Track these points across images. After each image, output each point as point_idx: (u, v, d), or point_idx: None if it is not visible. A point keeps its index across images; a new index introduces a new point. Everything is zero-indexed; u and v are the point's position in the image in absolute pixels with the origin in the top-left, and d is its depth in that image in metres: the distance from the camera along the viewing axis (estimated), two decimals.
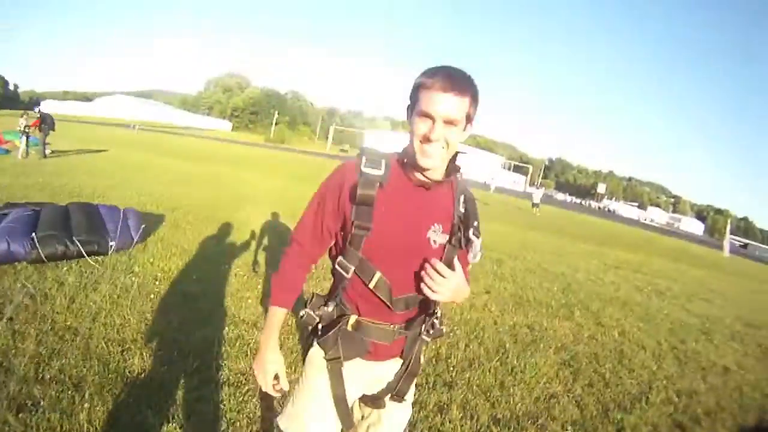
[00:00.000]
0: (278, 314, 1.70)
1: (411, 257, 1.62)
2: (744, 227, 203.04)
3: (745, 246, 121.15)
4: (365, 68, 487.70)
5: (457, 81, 1.50)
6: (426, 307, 1.73)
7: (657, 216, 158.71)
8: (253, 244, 7.05)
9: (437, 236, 1.65)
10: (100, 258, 5.35)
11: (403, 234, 1.61)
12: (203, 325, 4.11)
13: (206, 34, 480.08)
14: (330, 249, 1.75)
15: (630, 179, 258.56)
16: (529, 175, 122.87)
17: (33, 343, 3.35)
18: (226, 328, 4.10)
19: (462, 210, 1.70)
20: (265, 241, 7.42)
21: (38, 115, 17.23)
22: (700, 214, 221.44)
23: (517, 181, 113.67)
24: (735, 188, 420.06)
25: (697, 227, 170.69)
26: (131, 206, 7.56)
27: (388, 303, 1.62)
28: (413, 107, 1.57)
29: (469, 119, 1.58)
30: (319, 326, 1.70)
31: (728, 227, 44.93)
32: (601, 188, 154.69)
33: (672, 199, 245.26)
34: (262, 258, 6.42)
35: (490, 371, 4.25)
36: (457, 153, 1.68)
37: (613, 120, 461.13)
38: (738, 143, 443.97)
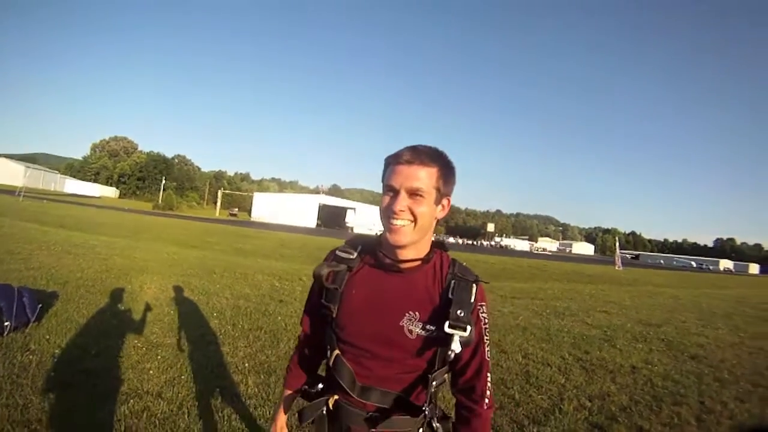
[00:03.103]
0: (283, 394, 1.83)
1: (381, 346, 1.52)
2: (633, 241, 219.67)
3: (636, 257, 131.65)
4: (255, 129, 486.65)
5: (421, 152, 1.48)
6: (410, 408, 1.52)
7: (548, 245, 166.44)
8: (149, 315, 6.83)
9: (414, 325, 1.50)
10: None
11: (369, 319, 1.53)
12: (108, 400, 4.04)
13: (93, 97, 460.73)
14: None
15: (518, 215, 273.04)
16: None
17: None
18: (131, 401, 4.03)
19: (450, 296, 1.51)
20: (161, 312, 7.22)
21: None
22: (590, 236, 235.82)
23: None
24: (619, 207, 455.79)
25: (588, 249, 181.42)
26: (20, 280, 7.26)
27: (347, 387, 1.51)
28: (382, 189, 1.55)
29: (440, 192, 1.52)
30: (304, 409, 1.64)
31: (617, 244, 48.55)
32: (491, 227, 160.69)
33: (560, 228, 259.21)
34: (159, 329, 6.28)
35: None
36: (438, 241, 1.68)
37: (493, 161, 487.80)
38: (614, 166, 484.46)
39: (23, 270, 9.08)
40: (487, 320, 1.61)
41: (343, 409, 1.56)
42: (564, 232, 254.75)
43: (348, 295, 1.57)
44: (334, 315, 1.57)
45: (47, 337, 5.38)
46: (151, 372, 4.77)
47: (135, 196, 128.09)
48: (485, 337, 1.60)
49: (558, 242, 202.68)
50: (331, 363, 1.58)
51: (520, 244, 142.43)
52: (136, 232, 25.26)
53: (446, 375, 1.61)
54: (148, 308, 7.12)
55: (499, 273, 23.56)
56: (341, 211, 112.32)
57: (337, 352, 1.57)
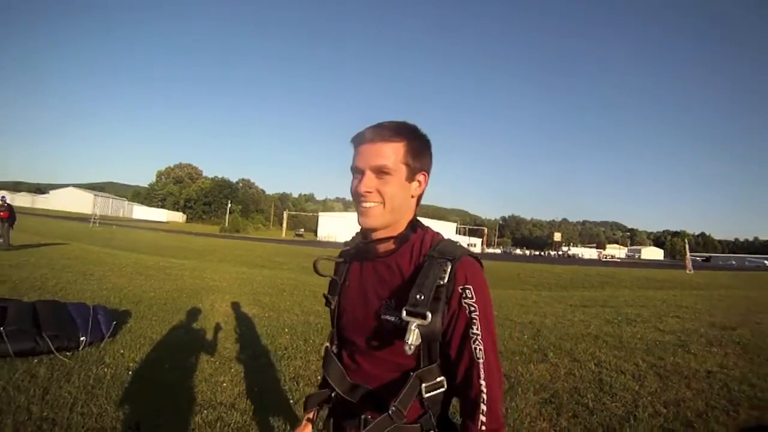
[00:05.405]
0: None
1: (364, 338, 1.44)
2: (703, 242, 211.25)
3: (707, 259, 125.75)
4: (314, 149, 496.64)
5: (384, 128, 1.40)
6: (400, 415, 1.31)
7: (616, 252, 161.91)
8: (221, 332, 7.01)
9: (390, 314, 1.37)
10: (69, 353, 5.30)
11: (354, 310, 1.49)
12: (181, 410, 4.15)
13: (156, 125, 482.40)
14: None
15: (584, 222, 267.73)
16: (484, 237, 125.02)
17: None
18: (205, 412, 4.13)
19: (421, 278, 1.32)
20: (232, 329, 7.42)
21: (7, 206, 17.25)
22: (658, 240, 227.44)
23: (474, 243, 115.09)
24: (687, 208, 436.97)
25: (657, 254, 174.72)
26: (94, 300, 7.58)
27: (334, 384, 1.47)
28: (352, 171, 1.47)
29: (411, 168, 1.41)
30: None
31: (687, 246, 46.63)
32: (557, 236, 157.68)
33: (628, 233, 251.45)
34: (231, 344, 6.42)
35: None
36: (417, 220, 1.52)
37: (557, 169, 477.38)
38: (680, 165, 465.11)
39: (97, 290, 9.55)
40: (475, 307, 1.30)
41: (339, 406, 1.54)
42: (632, 237, 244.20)
43: (343, 288, 1.56)
44: (333, 307, 1.57)
45: (121, 351, 5.60)
46: (224, 384, 4.86)
47: (202, 220, 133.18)
48: (472, 330, 1.30)
49: (626, 248, 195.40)
50: (323, 359, 1.57)
51: (588, 253, 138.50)
52: (205, 254, 26.16)
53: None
54: (219, 325, 7.30)
55: (568, 283, 23.18)
56: None
57: (326, 345, 1.57)
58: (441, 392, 1.35)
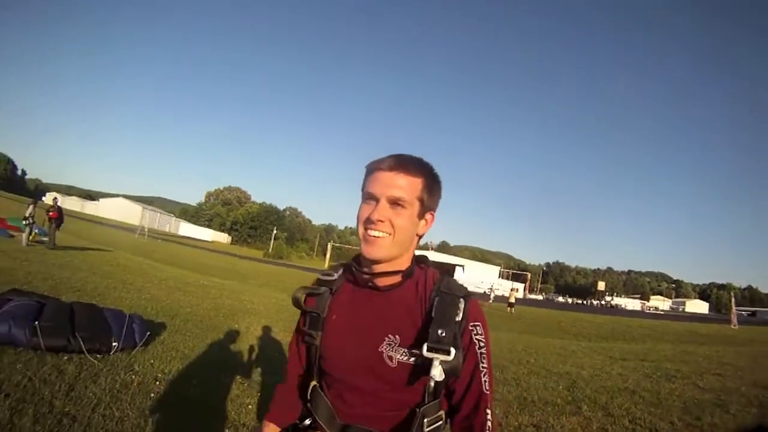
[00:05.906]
0: (264, 425, 1.63)
1: (361, 376, 1.39)
2: (750, 296, 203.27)
3: (753, 314, 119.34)
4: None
5: (405, 160, 1.41)
6: None
7: (660, 304, 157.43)
8: (253, 355, 7.03)
9: (393, 351, 1.36)
10: (100, 355, 5.35)
11: (348, 346, 1.43)
12: (203, 428, 4.13)
13: (209, 147, 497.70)
14: None
15: (629, 272, 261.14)
16: (527, 282, 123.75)
17: (30, 422, 3.44)
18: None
19: (433, 315, 1.35)
20: (264, 353, 7.39)
21: (57, 208, 18.09)
22: (704, 292, 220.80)
23: (516, 288, 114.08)
24: (733, 260, 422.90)
25: (702, 307, 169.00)
26: (131, 308, 7.68)
27: (325, 425, 1.41)
28: (362, 196, 1.47)
29: (423, 205, 1.42)
30: None
31: (732, 300, 45.17)
32: (601, 285, 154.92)
33: (673, 285, 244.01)
34: (261, 368, 6.35)
35: None
36: (421, 255, 1.55)
37: (605, 217, 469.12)
38: (727, 217, 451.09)
39: (135, 300, 9.73)
40: (483, 344, 1.41)
41: None
42: (677, 289, 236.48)
43: (329, 321, 1.49)
44: (317, 343, 1.48)
45: (151, 361, 5.61)
46: (250, 407, 4.81)
47: (246, 244, 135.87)
48: (482, 365, 1.39)
49: (671, 300, 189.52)
50: (308, 396, 1.50)
51: (631, 303, 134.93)
52: (246, 277, 26.54)
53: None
54: (252, 348, 7.30)
55: (609, 334, 22.60)
56: (450, 268, 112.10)
57: (314, 383, 1.50)
58: (440, 425, 1.39)
